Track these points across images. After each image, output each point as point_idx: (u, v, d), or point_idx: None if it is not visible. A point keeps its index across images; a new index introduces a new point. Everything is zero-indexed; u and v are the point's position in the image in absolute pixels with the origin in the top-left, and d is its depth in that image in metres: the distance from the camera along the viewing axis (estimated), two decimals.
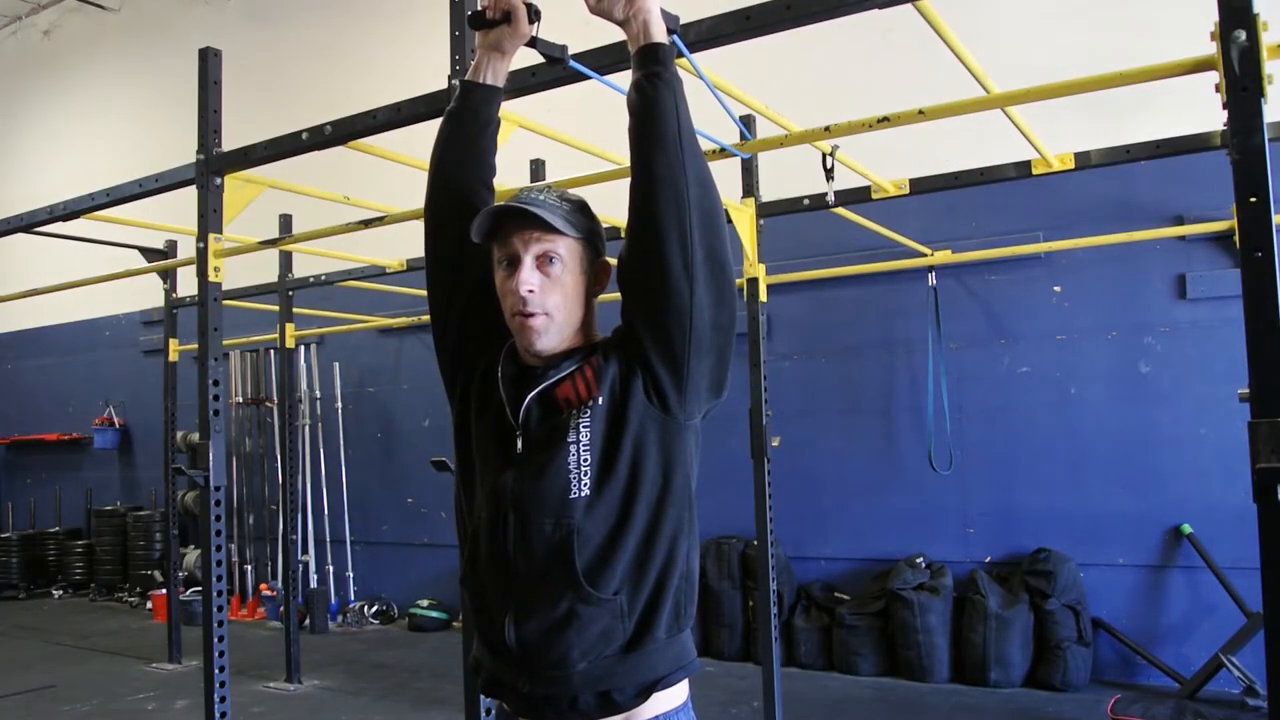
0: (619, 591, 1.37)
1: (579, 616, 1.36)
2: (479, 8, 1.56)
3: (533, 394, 1.44)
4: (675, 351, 1.38)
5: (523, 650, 1.39)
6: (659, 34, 1.41)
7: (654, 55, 1.40)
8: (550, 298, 1.43)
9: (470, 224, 1.46)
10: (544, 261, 1.43)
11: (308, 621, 6.76)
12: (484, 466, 1.48)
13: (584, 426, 1.39)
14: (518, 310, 1.43)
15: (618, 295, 1.46)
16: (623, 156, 3.51)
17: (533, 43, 1.59)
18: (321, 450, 7.57)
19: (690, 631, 1.47)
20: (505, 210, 1.44)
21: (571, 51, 1.79)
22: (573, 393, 1.42)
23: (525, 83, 2.50)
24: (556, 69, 2.45)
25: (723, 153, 3.17)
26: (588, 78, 2.15)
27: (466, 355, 1.57)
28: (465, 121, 1.59)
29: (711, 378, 1.44)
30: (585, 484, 1.38)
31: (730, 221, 3.93)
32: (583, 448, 1.39)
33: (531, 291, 1.42)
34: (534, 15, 1.54)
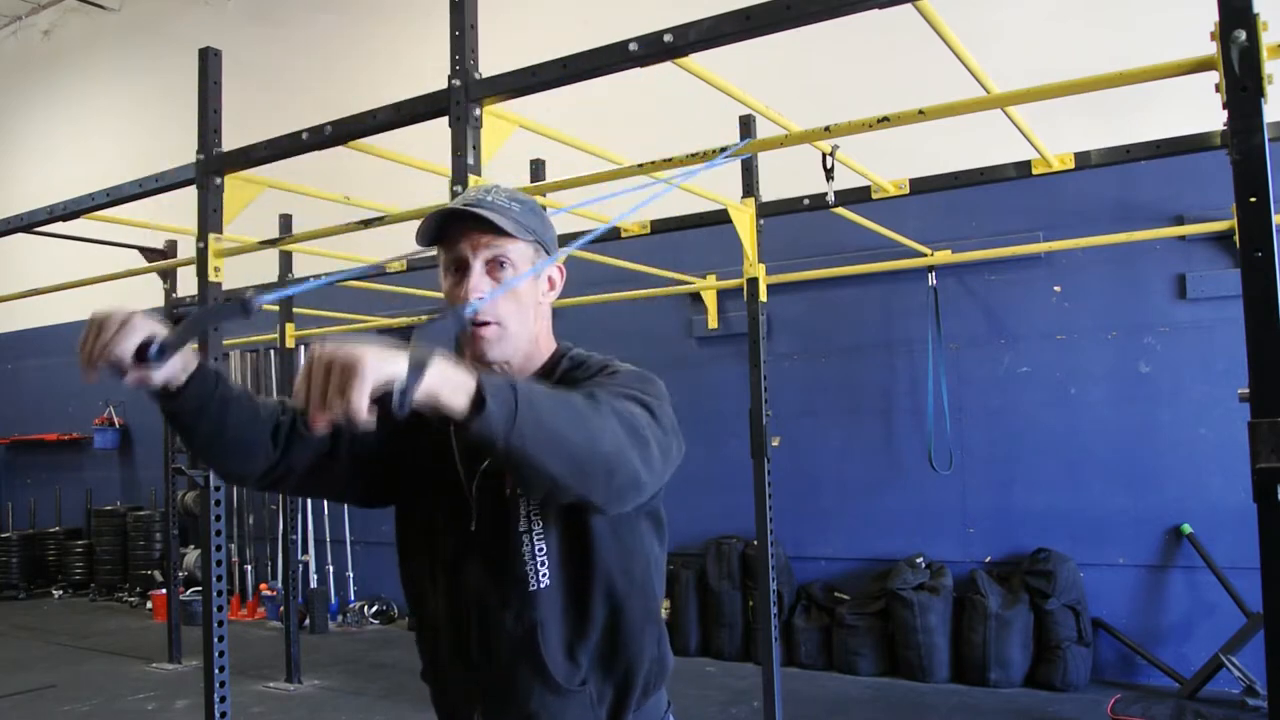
0: (586, 681, 1.33)
1: (549, 709, 1.32)
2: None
3: (482, 467, 1.33)
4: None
5: None
6: (456, 403, 1.02)
7: (469, 433, 1.04)
8: (502, 304, 1.33)
9: (271, 440, 1.33)
10: (494, 266, 1.34)
11: (308, 621, 6.75)
12: (435, 551, 1.39)
13: (534, 514, 1.31)
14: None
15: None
16: (623, 156, 3.51)
17: (168, 351, 1.18)
18: None
19: (663, 690, 1.43)
20: (451, 213, 1.35)
21: (571, 52, 1.79)
22: None
23: (525, 83, 2.51)
24: (556, 69, 2.45)
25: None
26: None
27: (397, 477, 1.44)
28: (209, 433, 1.30)
29: (660, 488, 1.32)
30: (544, 574, 1.31)
31: (731, 222, 3.94)
32: (535, 536, 1.31)
33: (481, 298, 1.31)
34: (157, 354, 1.15)
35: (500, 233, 1.33)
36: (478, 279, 1.32)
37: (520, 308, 1.36)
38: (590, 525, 1.31)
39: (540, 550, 1.31)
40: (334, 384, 0.95)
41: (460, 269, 1.35)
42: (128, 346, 1.14)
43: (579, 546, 1.32)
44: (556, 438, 1.07)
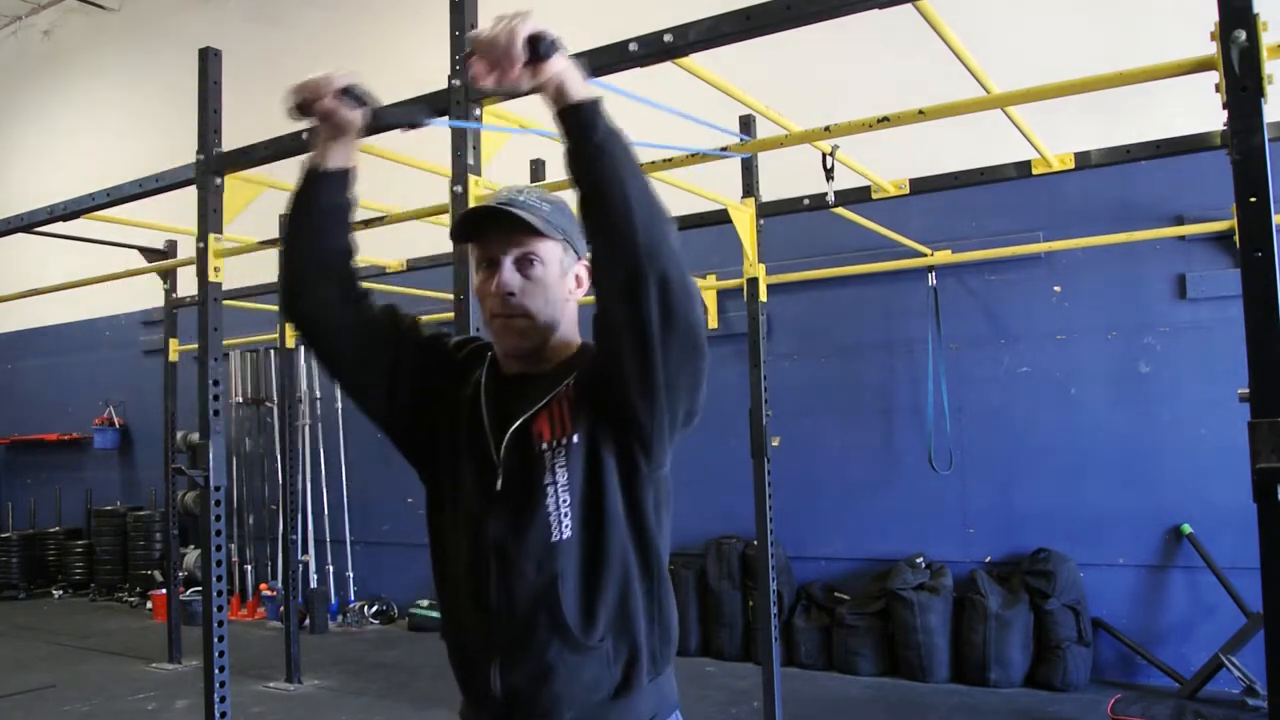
0: (604, 638, 1.35)
1: (567, 664, 1.33)
2: (291, 104, 1.40)
3: (513, 428, 1.39)
4: (641, 411, 1.32)
5: (510, 700, 1.36)
6: (578, 92, 1.24)
7: (575, 117, 1.24)
8: (531, 300, 1.40)
9: (332, 292, 1.44)
10: (524, 263, 1.40)
11: (308, 621, 6.75)
12: (461, 505, 1.43)
13: (559, 466, 1.36)
14: (497, 312, 1.41)
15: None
16: None
17: (378, 120, 1.44)
18: (321, 450, 7.57)
19: (671, 671, 1.46)
20: (485, 211, 1.42)
21: (570, 53, 1.79)
22: (548, 428, 1.38)
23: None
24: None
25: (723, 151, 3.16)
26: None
27: (425, 409, 1.50)
28: (318, 215, 1.47)
29: (683, 420, 1.38)
30: (567, 526, 1.34)
31: (731, 222, 3.94)
32: (560, 489, 1.35)
33: (512, 294, 1.39)
34: (358, 100, 1.40)
35: (530, 231, 1.39)
36: (508, 274, 1.39)
37: (549, 303, 1.42)
38: (612, 480, 1.36)
39: (565, 502, 1.35)
40: (505, 31, 1.20)
41: (492, 265, 1.41)
42: (339, 83, 1.38)
43: (600, 501, 1.35)
44: (637, 169, 1.25)
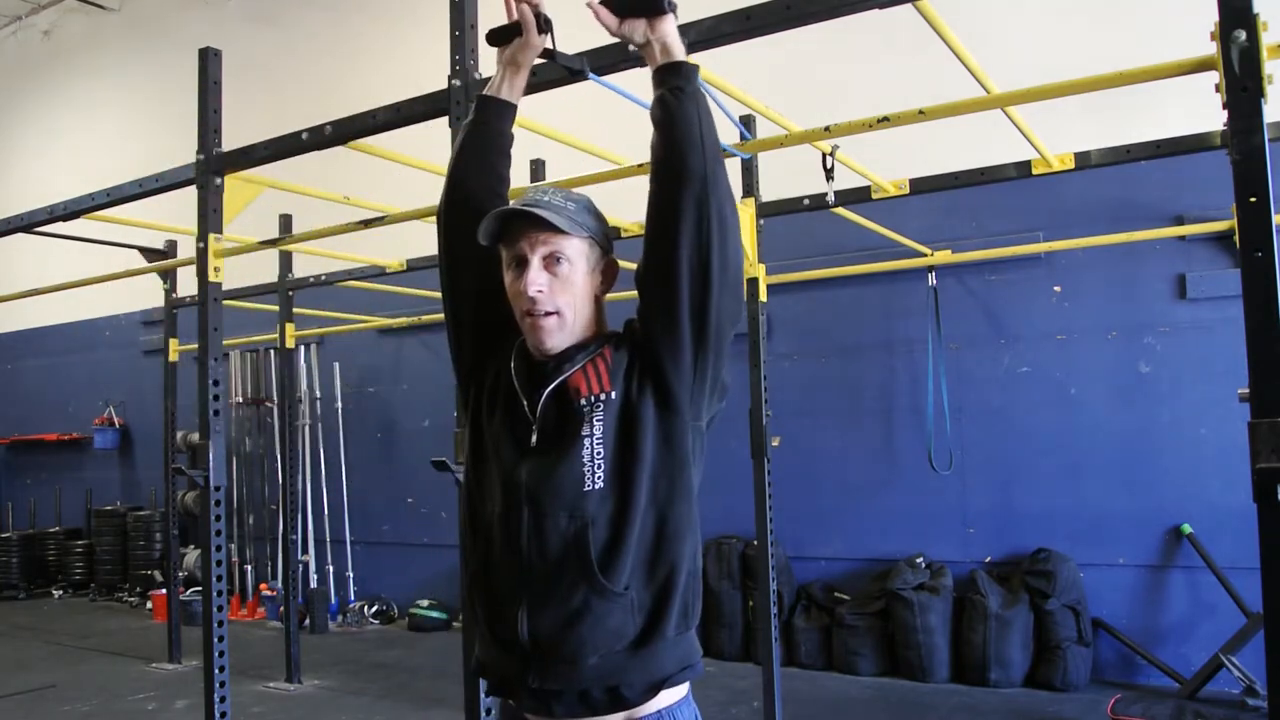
0: (630, 586, 1.38)
1: (592, 610, 1.37)
2: (499, 24, 1.61)
3: (550, 388, 1.45)
4: (689, 353, 1.41)
5: (535, 644, 1.40)
6: (680, 53, 1.45)
7: (676, 71, 1.44)
8: (559, 297, 1.45)
9: (481, 211, 1.51)
10: (551, 262, 1.45)
11: (308, 621, 6.75)
12: (497, 459, 1.49)
13: (597, 420, 1.41)
14: (527, 310, 1.46)
15: (626, 294, 1.47)
16: (622, 156, 3.51)
17: (550, 55, 1.63)
18: (321, 450, 7.57)
19: (696, 632, 1.49)
20: (511, 213, 1.46)
21: (571, 52, 1.79)
22: (584, 384, 1.44)
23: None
24: (556, 69, 2.45)
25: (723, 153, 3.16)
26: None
27: (482, 352, 1.61)
28: (480, 135, 1.64)
29: (718, 377, 1.48)
30: (599, 476, 1.39)
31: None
32: (595, 441, 1.40)
33: (541, 292, 1.44)
34: (544, 25, 1.58)
35: (556, 230, 1.44)
36: (535, 273, 1.45)
37: (577, 299, 1.47)
38: (648, 437, 1.41)
39: (599, 454, 1.40)
40: None
41: (520, 265, 1.47)
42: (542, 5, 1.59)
43: (634, 455, 1.40)
44: (712, 123, 1.43)
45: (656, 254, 1.41)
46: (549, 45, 1.61)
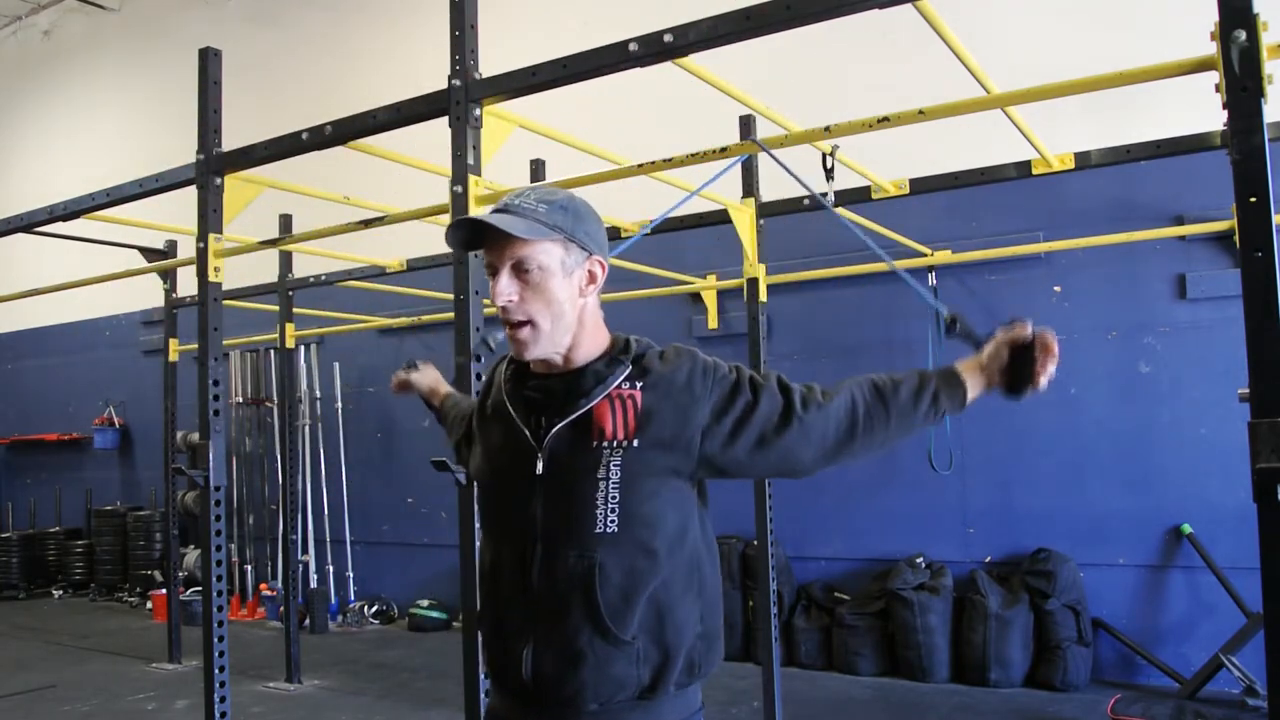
0: (637, 636, 1.36)
1: (596, 654, 1.35)
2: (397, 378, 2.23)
3: (565, 422, 1.42)
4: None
5: (537, 684, 1.38)
6: (975, 392, 1.62)
7: (959, 399, 1.59)
8: (531, 305, 1.40)
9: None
10: (519, 270, 1.40)
11: (308, 621, 6.75)
12: (502, 488, 1.48)
13: (614, 464, 1.38)
14: (504, 321, 1.45)
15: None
16: (621, 156, 3.51)
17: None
18: (321, 450, 7.57)
19: (699, 683, 1.47)
20: (469, 223, 1.44)
21: (571, 52, 1.79)
22: (609, 423, 1.40)
23: (525, 82, 2.50)
24: (556, 69, 2.45)
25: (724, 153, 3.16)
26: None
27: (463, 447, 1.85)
28: (434, 414, 2.15)
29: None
30: (612, 520, 1.37)
31: (731, 222, 3.94)
32: (612, 485, 1.37)
33: (511, 301, 1.40)
34: (415, 369, 2.23)
35: (519, 239, 1.39)
36: (504, 284, 1.41)
37: (550, 305, 1.41)
38: (665, 494, 1.40)
39: (614, 499, 1.37)
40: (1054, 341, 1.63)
41: (494, 274, 1.43)
42: (402, 375, 2.24)
43: (650, 506, 1.39)
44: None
45: (823, 458, 1.48)
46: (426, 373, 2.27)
